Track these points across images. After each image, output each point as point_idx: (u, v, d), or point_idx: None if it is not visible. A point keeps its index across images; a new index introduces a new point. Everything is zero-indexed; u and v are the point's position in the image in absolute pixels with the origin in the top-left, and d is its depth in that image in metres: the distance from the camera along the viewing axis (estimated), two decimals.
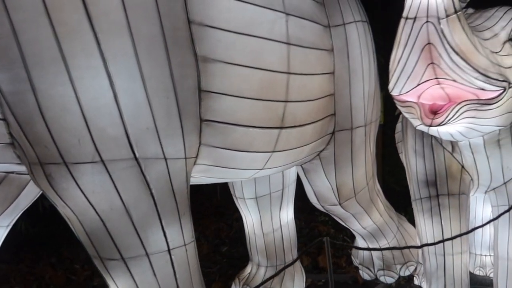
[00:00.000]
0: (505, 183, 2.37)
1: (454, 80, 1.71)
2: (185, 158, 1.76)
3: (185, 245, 1.80)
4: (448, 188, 2.39)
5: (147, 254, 1.69)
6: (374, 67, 2.60)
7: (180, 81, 1.65)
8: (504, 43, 1.87)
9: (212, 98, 1.76)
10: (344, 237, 4.07)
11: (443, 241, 2.11)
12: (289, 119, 2.05)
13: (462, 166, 2.40)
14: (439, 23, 1.60)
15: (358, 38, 2.43)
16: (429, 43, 1.64)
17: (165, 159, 1.68)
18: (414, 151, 2.50)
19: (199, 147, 1.83)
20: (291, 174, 3.07)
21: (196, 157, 1.86)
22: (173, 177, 1.72)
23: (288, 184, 3.11)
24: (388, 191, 4.47)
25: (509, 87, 1.81)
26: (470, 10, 2.13)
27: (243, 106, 1.85)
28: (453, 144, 2.36)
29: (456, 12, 1.60)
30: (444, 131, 2.06)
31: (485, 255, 3.33)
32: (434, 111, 1.81)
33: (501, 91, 1.78)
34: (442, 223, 2.39)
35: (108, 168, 1.57)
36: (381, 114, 4.44)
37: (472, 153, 2.30)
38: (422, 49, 1.66)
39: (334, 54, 2.29)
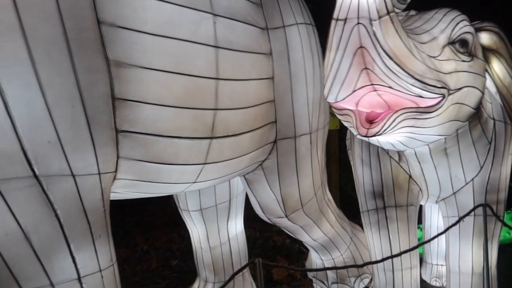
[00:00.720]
0: (454, 193, 2.27)
1: (390, 87, 1.58)
2: (99, 173, 1.58)
3: (100, 271, 1.61)
4: (395, 199, 2.27)
5: (52, 284, 1.49)
6: (320, 71, 2.47)
7: (88, 88, 1.47)
8: (444, 47, 1.76)
9: (129, 107, 1.59)
10: (300, 247, 3.93)
11: (390, 257, 1.99)
12: (220, 128, 1.89)
13: (410, 176, 2.28)
14: (371, 25, 1.47)
15: (300, 41, 2.29)
16: (361, 47, 1.51)
17: (73, 175, 1.50)
18: (361, 160, 2.38)
19: (117, 160, 1.65)
20: (238, 184, 2.91)
21: (116, 171, 1.67)
22: (84, 195, 1.54)
23: (235, 194, 2.95)
24: (345, 198, 4.37)
25: (449, 94, 1.70)
26: (413, 12, 2.02)
27: (165, 115, 1.68)
28: (400, 153, 2.25)
29: (388, 13, 1.47)
30: (384, 141, 1.94)
31: (441, 265, 3.25)
32: (371, 120, 1.68)
33: (440, 98, 1.66)
34: (390, 237, 2.28)
35: (0, 189, 1.37)
36: (337, 119, 4.34)
37: (419, 162, 2.19)
38: (355, 53, 1.53)
39: (273, 58, 2.14)
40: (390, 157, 2.28)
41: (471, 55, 1.85)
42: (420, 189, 2.32)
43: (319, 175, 2.68)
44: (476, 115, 2.05)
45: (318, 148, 2.62)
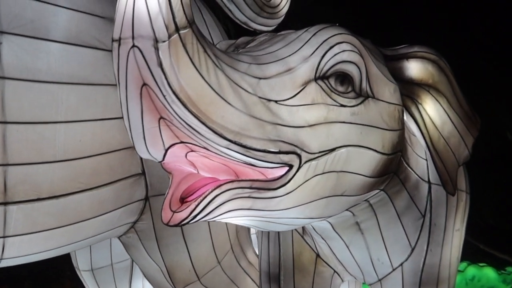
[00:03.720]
0: (380, 280, 1.64)
1: (206, 148, 1.02)
2: None
3: None
4: (295, 285, 1.66)
5: None
6: None
7: None
8: (306, 84, 1.12)
9: None
10: None
11: None
12: (22, 190, 1.37)
13: (318, 255, 1.67)
14: (156, 49, 0.91)
15: None
16: (144, 84, 0.95)
17: None
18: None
19: None
20: None
21: None
22: None
23: None
24: None
25: (308, 160, 1.10)
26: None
27: None
28: None
29: (178, 30, 0.91)
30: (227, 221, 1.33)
31: None
32: (185, 197, 1.11)
33: (287, 169, 1.07)
34: None
35: None
36: None
37: (324, 239, 1.58)
38: (140, 93, 0.97)
39: None
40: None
41: (361, 96, 1.21)
42: (336, 271, 1.70)
43: (228, 237, 2.09)
44: (397, 179, 1.43)
45: None
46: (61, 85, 1.41)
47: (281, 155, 1.04)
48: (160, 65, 0.91)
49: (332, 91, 1.15)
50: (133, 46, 0.92)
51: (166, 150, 1.07)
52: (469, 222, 1.80)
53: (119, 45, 0.95)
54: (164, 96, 0.93)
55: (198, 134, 0.98)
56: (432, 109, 1.41)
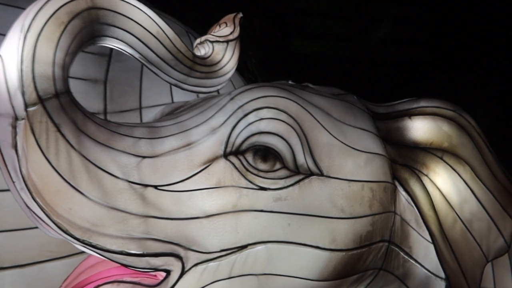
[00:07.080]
0: None
1: None
2: None
3: None
4: None
5: None
6: None
7: None
8: (211, 161, 0.88)
9: None
10: None
11: None
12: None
13: None
14: (13, 128, 0.80)
15: None
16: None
17: None
18: None
19: None
20: None
21: None
22: None
23: None
24: None
25: (200, 263, 0.84)
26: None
27: None
28: None
29: (26, 108, 0.79)
30: None
31: None
32: None
33: (163, 277, 0.85)
34: None
35: None
36: None
37: None
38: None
39: None
40: None
41: (299, 174, 0.91)
42: None
43: None
44: (391, 276, 1.07)
45: None
46: None
47: (148, 258, 0.82)
48: (15, 146, 0.80)
49: (248, 170, 0.89)
50: None
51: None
52: None
53: None
54: (13, 182, 0.81)
55: (50, 229, 0.83)
56: (445, 182, 1.05)
